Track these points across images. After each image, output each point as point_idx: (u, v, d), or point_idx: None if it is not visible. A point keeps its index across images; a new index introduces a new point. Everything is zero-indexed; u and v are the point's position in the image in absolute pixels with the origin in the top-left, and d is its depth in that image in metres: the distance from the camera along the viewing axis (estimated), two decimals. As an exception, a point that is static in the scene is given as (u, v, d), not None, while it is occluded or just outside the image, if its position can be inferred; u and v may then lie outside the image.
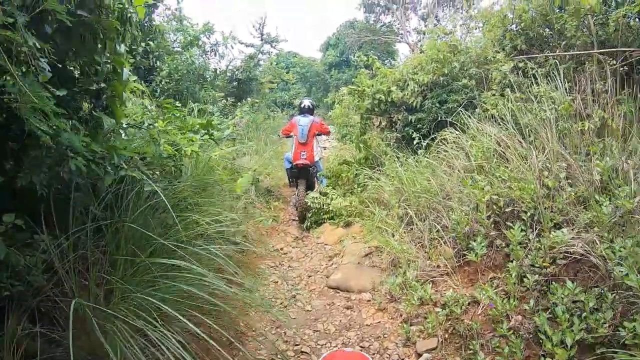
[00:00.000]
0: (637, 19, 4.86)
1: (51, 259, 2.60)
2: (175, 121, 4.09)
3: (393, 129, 6.88)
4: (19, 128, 2.09)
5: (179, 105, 4.90)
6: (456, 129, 5.24)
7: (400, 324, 3.69)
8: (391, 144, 6.63)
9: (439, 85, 6.26)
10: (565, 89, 4.59)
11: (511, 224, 3.49)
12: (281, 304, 4.32)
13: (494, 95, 5.23)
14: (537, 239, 3.34)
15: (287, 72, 17.08)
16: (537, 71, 4.91)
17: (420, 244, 4.38)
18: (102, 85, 2.69)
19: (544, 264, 3.15)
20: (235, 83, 11.64)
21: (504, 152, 4.35)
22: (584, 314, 2.76)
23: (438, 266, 4.04)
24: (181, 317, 2.20)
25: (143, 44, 7.64)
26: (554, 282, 3.07)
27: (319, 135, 7.45)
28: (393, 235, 4.61)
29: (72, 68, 2.77)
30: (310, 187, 7.27)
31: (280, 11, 59.59)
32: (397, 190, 5.23)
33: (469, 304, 3.46)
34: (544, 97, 4.55)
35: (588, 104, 4.48)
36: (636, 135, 3.90)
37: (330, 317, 4.07)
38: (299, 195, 6.86)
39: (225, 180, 4.46)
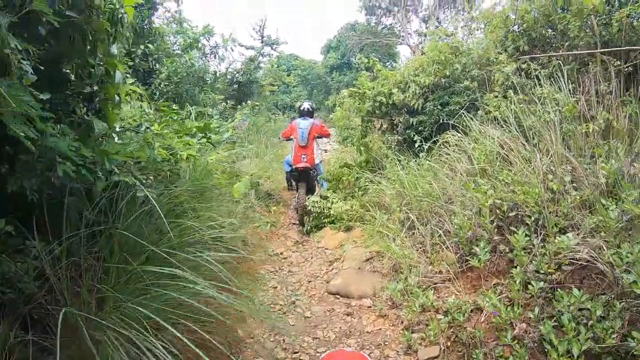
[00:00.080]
0: (640, 19, 4.78)
1: (42, 265, 2.56)
2: (172, 124, 4.02)
3: (394, 131, 6.81)
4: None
5: (175, 108, 4.82)
6: (458, 132, 5.15)
7: (401, 331, 3.61)
8: (392, 146, 6.56)
9: (441, 87, 6.19)
10: (569, 91, 4.51)
11: (515, 229, 3.42)
12: (280, 310, 4.24)
13: (496, 97, 5.14)
14: (542, 244, 3.26)
15: (288, 75, 17.02)
16: (540, 72, 4.83)
17: (422, 249, 4.30)
18: (95, 88, 2.62)
19: (549, 271, 3.07)
20: (235, 86, 11.58)
21: (507, 155, 4.27)
22: (590, 322, 2.68)
23: (440, 272, 3.96)
24: (169, 327, 2.12)
25: (142, 47, 7.59)
26: (559, 290, 2.99)
27: (319, 137, 7.42)
28: (394, 240, 4.53)
29: (67, 70, 2.72)
30: (310, 190, 7.23)
31: (280, 13, 59.87)
32: (399, 194, 5.15)
33: (471, 311, 3.38)
34: (547, 98, 4.47)
35: (592, 106, 4.41)
36: (642, 137, 3.83)
37: (330, 323, 3.99)
38: (299, 198, 6.82)
39: (224, 185, 4.38)
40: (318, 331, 3.87)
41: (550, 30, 5.39)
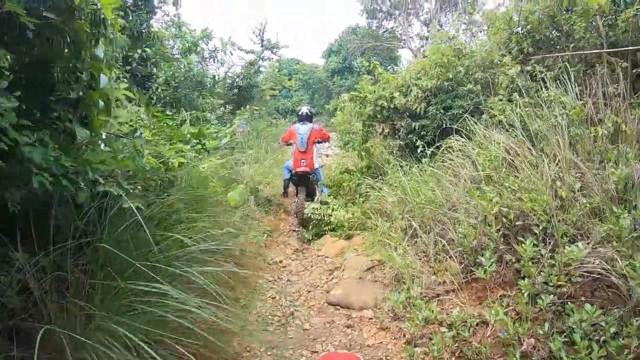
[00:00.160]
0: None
1: (26, 279, 2.44)
2: (166, 130, 3.88)
3: (396, 136, 6.68)
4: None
5: (170, 114, 4.70)
6: (462, 136, 5.00)
7: (403, 345, 3.44)
8: (394, 152, 6.43)
9: (444, 91, 6.05)
10: (576, 93, 4.37)
11: (522, 238, 3.27)
12: (278, 321, 4.09)
13: (501, 100, 5.01)
14: (551, 255, 3.11)
15: (290, 79, 16.91)
16: (545, 75, 4.69)
17: (424, 258, 4.15)
18: (81, 93, 2.49)
19: (559, 283, 2.92)
20: (235, 90, 11.46)
21: (512, 161, 4.12)
22: (602, 338, 2.53)
23: (444, 282, 3.81)
24: (149, 350, 1.98)
25: (139, 51, 7.48)
26: (569, 303, 2.85)
27: (319, 142, 7.38)
28: (396, 249, 4.38)
29: (54, 75, 2.59)
30: (310, 194, 7.20)
31: (280, 14, 60.13)
32: (401, 200, 5.01)
33: (477, 324, 3.23)
34: (554, 101, 4.33)
35: (600, 109, 4.27)
36: (652, 141, 3.69)
37: (330, 336, 3.84)
38: (298, 202, 6.79)
39: (220, 192, 4.24)
40: (317, 344, 3.72)
41: (555, 32, 5.25)
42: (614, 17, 4.80)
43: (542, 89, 4.62)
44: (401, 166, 5.60)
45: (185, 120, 5.21)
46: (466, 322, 3.21)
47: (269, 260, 5.62)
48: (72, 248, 2.64)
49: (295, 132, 7.12)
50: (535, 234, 3.28)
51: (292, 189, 7.60)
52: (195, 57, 9.75)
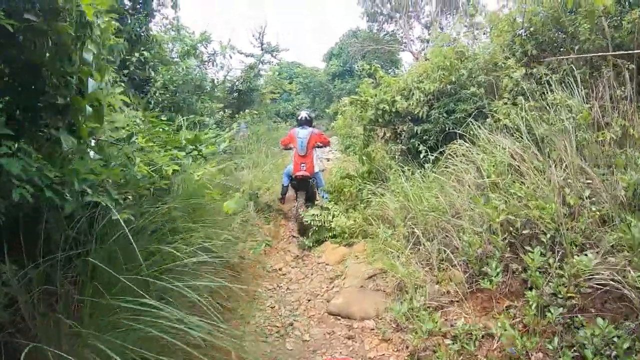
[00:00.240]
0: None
1: (14, 292, 2.34)
2: (162, 136, 3.77)
3: (398, 140, 6.58)
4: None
5: (164, 119, 4.59)
6: (465, 141, 4.89)
7: (406, 358, 3.34)
8: (396, 156, 6.31)
9: (446, 94, 5.94)
10: (582, 97, 4.26)
11: (529, 247, 3.16)
12: (277, 332, 3.97)
13: (505, 104, 4.90)
14: (559, 264, 3.00)
15: (290, 83, 16.80)
16: (551, 77, 4.58)
17: (428, 267, 4.04)
18: (68, 99, 2.38)
19: (569, 295, 2.80)
20: (235, 94, 11.36)
21: (518, 167, 4.00)
22: (614, 353, 2.42)
23: (448, 292, 3.69)
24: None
25: (137, 54, 7.39)
26: (579, 316, 2.73)
27: (319, 147, 7.35)
28: (398, 257, 4.26)
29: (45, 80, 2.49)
30: (310, 198, 7.15)
31: (280, 14, 60.22)
32: (403, 207, 4.89)
33: (482, 337, 3.11)
34: (559, 105, 4.22)
35: (607, 112, 4.16)
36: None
37: (330, 348, 3.72)
38: (298, 206, 6.75)
39: (217, 200, 4.13)
40: (317, 357, 3.60)
41: (560, 33, 5.14)
42: (619, 18, 4.71)
43: (547, 92, 4.51)
44: (403, 171, 5.48)
45: (182, 125, 5.10)
46: (471, 334, 3.11)
47: (268, 267, 5.51)
48: (62, 259, 2.54)
49: (295, 136, 7.07)
50: (543, 242, 3.17)
51: (291, 193, 7.53)
52: (194, 61, 9.65)
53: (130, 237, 2.17)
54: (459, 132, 5.09)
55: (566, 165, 3.67)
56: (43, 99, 2.40)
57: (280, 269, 5.53)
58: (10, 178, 1.78)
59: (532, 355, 2.72)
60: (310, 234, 6.22)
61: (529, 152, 4.03)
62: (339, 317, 4.16)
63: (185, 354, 2.34)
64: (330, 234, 5.98)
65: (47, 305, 2.51)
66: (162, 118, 4.80)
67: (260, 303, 4.49)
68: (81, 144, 2.31)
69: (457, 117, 5.56)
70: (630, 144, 3.83)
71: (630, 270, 2.67)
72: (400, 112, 6.30)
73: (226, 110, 9.54)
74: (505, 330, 2.89)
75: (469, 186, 4.27)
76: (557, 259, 3.03)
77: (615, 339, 2.46)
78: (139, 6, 8.69)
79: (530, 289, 3.06)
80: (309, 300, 4.62)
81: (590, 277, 2.81)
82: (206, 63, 10.50)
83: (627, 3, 4.88)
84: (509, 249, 3.43)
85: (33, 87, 2.40)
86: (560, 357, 2.57)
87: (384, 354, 3.52)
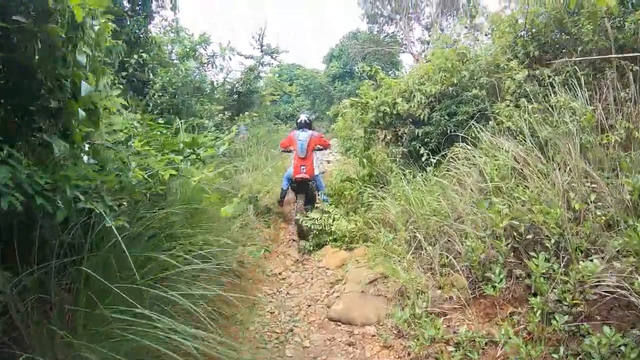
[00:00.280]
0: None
1: (8, 300, 2.28)
2: (159, 139, 3.71)
3: (399, 143, 6.51)
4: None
5: (161, 122, 4.52)
6: (467, 144, 4.82)
7: (409, 365, 3.27)
8: (397, 159, 6.25)
9: (448, 96, 5.88)
10: (585, 99, 4.20)
11: (533, 252, 3.09)
12: (277, 339, 3.90)
13: (508, 106, 4.83)
14: (564, 270, 2.93)
15: (291, 85, 16.75)
16: (554, 79, 4.52)
17: (430, 272, 3.97)
18: (61, 103, 2.32)
19: (574, 301, 2.74)
20: (235, 96, 11.30)
21: (522, 170, 3.94)
22: (622, 363, 2.36)
23: (450, 297, 3.63)
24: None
25: (136, 56, 7.33)
26: (584, 324, 2.67)
27: (319, 149, 7.36)
28: (400, 262, 4.20)
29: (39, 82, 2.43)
30: (310, 201, 7.15)
31: (280, 14, 60.22)
32: (404, 211, 4.83)
33: (486, 344, 3.05)
34: (563, 107, 4.15)
35: (611, 114, 4.10)
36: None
37: (331, 354, 3.65)
38: (297, 209, 6.73)
39: (215, 204, 4.07)
40: (317, 364, 3.54)
41: (563, 35, 5.08)
42: (622, 19, 4.66)
43: (550, 94, 4.45)
44: (404, 174, 5.42)
45: (180, 128, 5.03)
46: (474, 341, 3.05)
47: (268, 272, 5.44)
48: (57, 266, 2.49)
49: (295, 138, 7.10)
50: (547, 247, 3.11)
51: (291, 195, 7.52)
52: (194, 63, 9.60)
53: (124, 246, 2.11)
54: (462, 135, 5.03)
55: (570, 169, 3.61)
56: (37, 102, 2.35)
57: (280, 274, 5.47)
58: (-1, 185, 1.72)
59: (537, 364, 2.66)
60: (310, 237, 6.16)
61: (532, 155, 3.97)
62: (340, 323, 4.09)
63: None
64: (330, 238, 5.91)
65: (41, 313, 2.46)
66: (160, 121, 4.74)
67: (259, 308, 4.43)
68: (74, 149, 2.25)
69: (458, 119, 5.50)
70: (635, 146, 3.77)
71: (638, 276, 2.60)
72: (401, 115, 6.24)
73: (226, 112, 9.46)
74: (510, 337, 2.83)
75: (472, 190, 4.20)
76: (562, 265, 2.97)
77: (622, 348, 2.39)
78: (138, 8, 8.65)
79: (535, 295, 3.00)
80: (309, 306, 4.55)
81: (596, 283, 2.75)
82: (205, 65, 10.43)
83: (630, 4, 4.82)
84: (512, 254, 3.36)
85: (27, 89, 2.34)
86: (566, 366, 2.51)
87: (385, 361, 3.46)
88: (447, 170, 4.85)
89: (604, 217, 3.12)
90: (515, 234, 3.37)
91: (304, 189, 6.96)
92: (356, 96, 7.08)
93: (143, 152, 2.96)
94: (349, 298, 4.34)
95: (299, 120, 7.50)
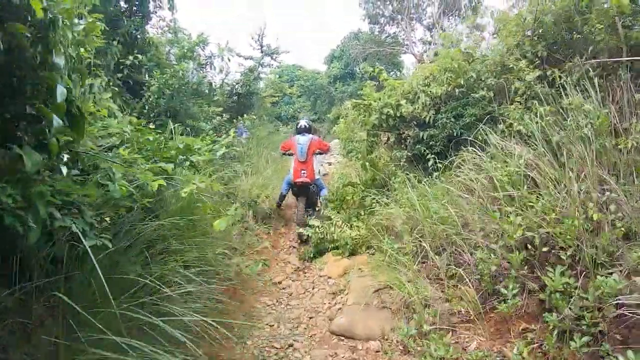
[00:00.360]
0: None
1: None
2: (148, 146, 3.52)
3: (403, 146, 6.31)
4: None
5: (159, 124, 4.34)
6: (475, 147, 4.61)
7: (415, 386, 3.08)
8: (401, 163, 6.04)
9: (454, 98, 5.67)
10: (598, 101, 4.00)
11: (547, 264, 2.90)
12: (276, 354, 3.69)
13: (517, 108, 4.63)
14: (580, 285, 2.74)
15: (291, 86, 16.54)
16: (567, 80, 4.31)
17: (437, 283, 3.78)
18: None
19: (593, 320, 2.54)
20: (235, 97, 11.09)
21: (534, 177, 3.73)
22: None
23: (459, 311, 3.44)
24: None
25: (131, 57, 7.14)
26: (604, 344, 2.48)
27: (319, 153, 7.40)
28: (405, 273, 4.00)
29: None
30: (311, 204, 7.13)
31: (279, 15, 60.09)
32: (409, 217, 4.62)
33: (498, 363, 2.86)
34: (575, 109, 3.95)
35: (625, 117, 3.90)
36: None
37: (333, 372, 3.47)
38: (298, 213, 6.77)
39: (212, 212, 3.88)
40: (319, 382, 3.35)
41: (575, 33, 4.86)
42: (633, 17, 4.46)
43: (561, 95, 4.25)
44: (409, 179, 5.21)
45: (173, 132, 4.83)
46: (486, 360, 2.85)
47: (267, 280, 5.25)
48: (39, 286, 2.31)
49: (295, 142, 7.11)
50: (562, 259, 2.91)
51: (292, 199, 7.42)
52: (192, 64, 9.40)
53: (99, 271, 1.91)
54: (470, 139, 4.82)
55: (585, 175, 3.41)
56: (11, 109, 2.15)
57: (280, 282, 5.27)
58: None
59: (554, 388, 2.47)
60: (311, 244, 5.96)
61: (544, 160, 3.77)
62: (342, 337, 3.89)
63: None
64: (332, 245, 5.71)
65: (24, 335, 2.29)
66: (154, 125, 4.56)
67: (258, 320, 4.24)
68: (51, 160, 2.05)
69: (465, 122, 5.30)
70: (651, 151, 3.58)
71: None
72: (405, 117, 6.04)
73: (225, 114, 9.26)
74: (524, 358, 2.64)
75: (480, 196, 4.01)
76: (580, 280, 2.77)
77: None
78: (135, 8, 8.47)
79: (549, 310, 2.81)
80: (311, 318, 4.35)
81: (616, 301, 2.56)
82: (204, 66, 10.22)
83: (640, 2, 4.63)
84: (526, 267, 3.17)
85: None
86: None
87: (390, 380, 3.27)
88: (455, 176, 4.65)
89: (623, 230, 2.92)
90: (529, 245, 3.17)
91: (305, 192, 6.94)
92: (357, 97, 6.91)
93: (130, 161, 2.76)
94: (352, 311, 4.13)
95: (299, 126, 7.48)
